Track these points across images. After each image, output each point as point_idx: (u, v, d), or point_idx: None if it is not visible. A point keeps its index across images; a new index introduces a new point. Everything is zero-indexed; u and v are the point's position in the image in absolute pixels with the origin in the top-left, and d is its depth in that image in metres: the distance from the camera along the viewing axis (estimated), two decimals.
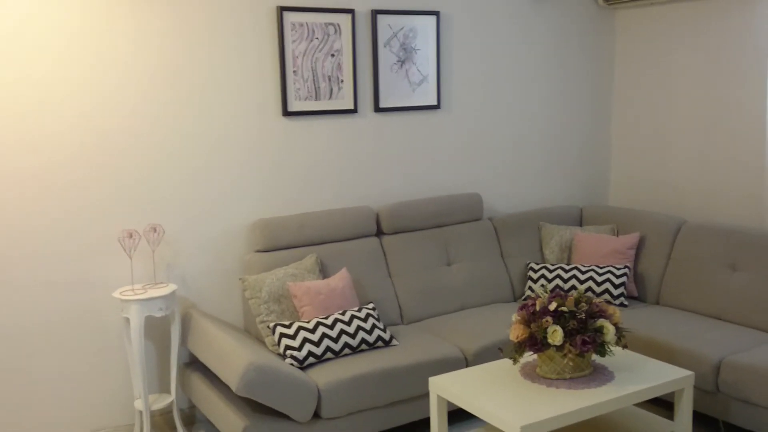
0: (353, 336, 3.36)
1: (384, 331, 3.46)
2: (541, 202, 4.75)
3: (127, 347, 3.41)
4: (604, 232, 4.32)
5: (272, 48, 3.74)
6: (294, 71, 3.80)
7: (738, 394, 3.17)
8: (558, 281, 4.05)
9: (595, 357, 3.04)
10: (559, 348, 2.78)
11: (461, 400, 2.80)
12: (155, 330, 3.58)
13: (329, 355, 3.30)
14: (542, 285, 4.08)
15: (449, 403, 3.18)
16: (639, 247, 4.20)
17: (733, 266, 3.80)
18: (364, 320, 3.42)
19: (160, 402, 3.46)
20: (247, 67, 3.69)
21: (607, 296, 3.95)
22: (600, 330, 2.78)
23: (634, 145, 4.83)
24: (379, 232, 4.06)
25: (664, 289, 4.05)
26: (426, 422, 3.49)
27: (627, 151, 4.88)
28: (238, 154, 3.72)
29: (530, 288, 4.13)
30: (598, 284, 3.97)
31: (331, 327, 3.34)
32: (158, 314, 3.32)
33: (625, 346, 2.91)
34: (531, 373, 2.92)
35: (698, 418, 3.51)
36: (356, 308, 3.48)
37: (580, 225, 4.57)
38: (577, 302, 2.83)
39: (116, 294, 3.31)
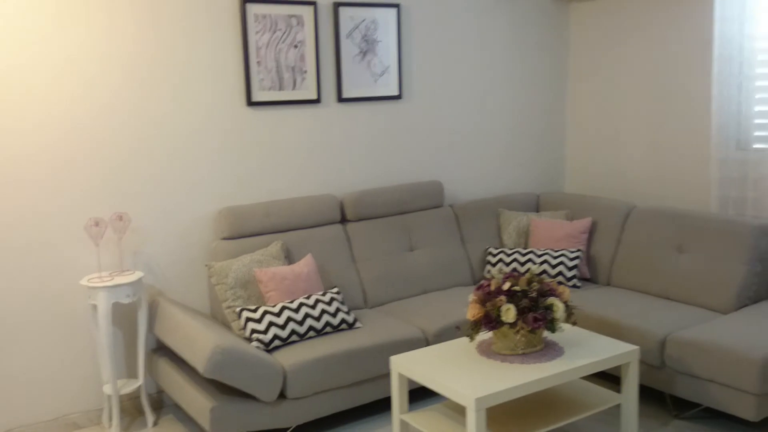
0: (318, 319, 3.47)
1: (348, 314, 3.58)
2: (500, 189, 4.91)
3: (95, 334, 3.48)
4: (559, 218, 4.50)
5: (236, 39, 3.82)
6: (258, 62, 3.88)
7: (683, 368, 3.35)
8: (515, 264, 4.21)
9: (546, 333, 3.20)
10: (513, 325, 2.92)
11: (421, 376, 2.94)
12: (122, 317, 3.65)
13: (294, 337, 3.41)
14: (500, 269, 4.24)
15: (411, 383, 3.32)
16: (591, 231, 4.39)
17: (679, 248, 4.00)
18: (329, 304, 3.53)
19: (129, 386, 3.54)
20: (211, 58, 3.76)
21: (561, 278, 4.12)
22: (550, 307, 2.94)
23: (587, 135, 5.01)
24: (343, 219, 4.17)
25: (615, 270, 4.24)
26: (388, 401, 3.62)
27: (581, 140, 5.06)
28: (203, 143, 3.80)
29: (489, 272, 4.29)
30: (553, 267, 4.14)
31: (296, 311, 3.44)
32: (125, 301, 3.39)
33: (574, 323, 3.08)
34: (487, 350, 3.07)
35: (646, 391, 3.70)
36: (321, 292, 3.59)
37: (537, 211, 4.74)
38: (529, 282, 2.98)
39: (84, 281, 3.37)
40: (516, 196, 4.72)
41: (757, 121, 4.03)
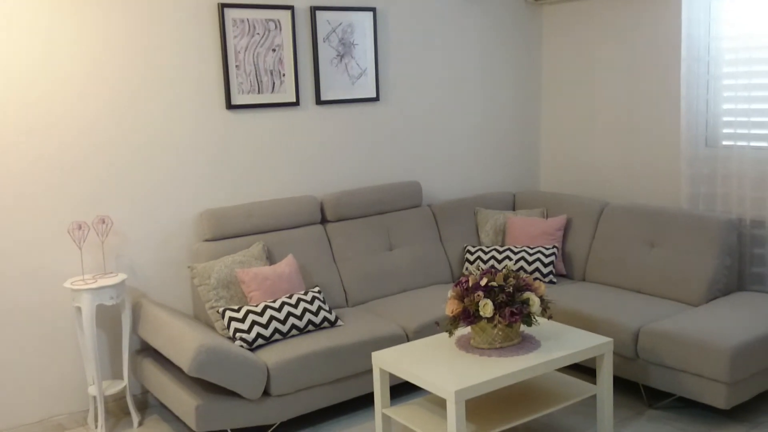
0: (300, 318, 3.53)
1: (330, 312, 3.64)
2: (477, 188, 5.00)
3: (80, 335, 3.51)
4: (535, 216, 4.60)
5: (215, 43, 3.87)
6: (236, 66, 3.93)
7: (655, 359, 3.46)
8: (493, 262, 4.30)
9: (523, 327, 3.28)
10: (490, 320, 3.01)
11: (401, 371, 3.01)
12: (106, 319, 3.69)
13: (277, 336, 3.47)
14: (478, 266, 4.33)
15: (393, 379, 3.39)
16: (566, 228, 4.49)
17: (651, 243, 4.11)
18: (311, 303, 3.60)
19: (113, 387, 3.57)
20: (191, 62, 3.81)
21: (537, 274, 4.22)
22: (526, 302, 3.03)
23: (561, 135, 5.12)
24: (324, 220, 4.24)
25: (590, 266, 4.35)
26: (370, 397, 3.69)
27: (555, 140, 5.17)
28: (184, 146, 3.84)
29: (467, 269, 4.37)
30: (529, 263, 4.23)
31: (279, 310, 3.50)
32: (109, 303, 3.43)
33: (550, 317, 3.17)
34: (465, 345, 3.15)
35: (620, 383, 3.80)
36: (303, 292, 3.65)
37: (513, 209, 4.84)
38: (506, 278, 3.07)
39: (67, 284, 3.40)
40: (493, 195, 4.82)
41: (725, 119, 4.14)
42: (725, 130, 4.15)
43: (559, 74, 5.08)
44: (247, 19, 3.93)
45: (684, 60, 4.17)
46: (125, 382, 3.60)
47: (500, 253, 4.32)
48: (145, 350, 3.73)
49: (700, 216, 3.98)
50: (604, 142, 4.84)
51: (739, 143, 4.06)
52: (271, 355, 3.32)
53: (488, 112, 4.99)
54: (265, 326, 3.43)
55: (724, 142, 4.15)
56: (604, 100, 4.82)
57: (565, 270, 4.43)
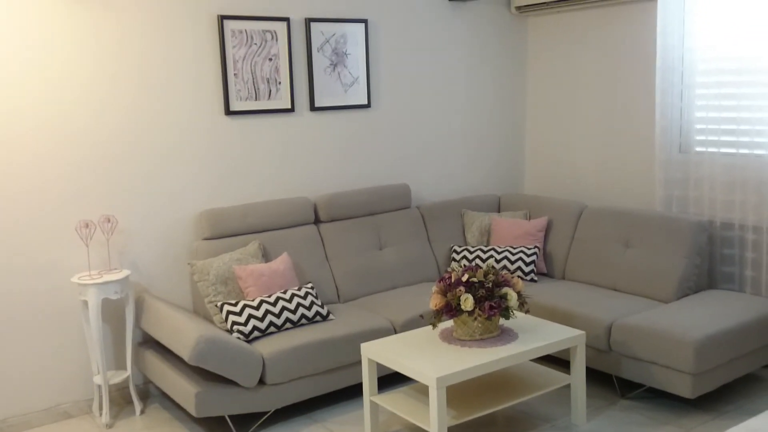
0: (294, 312, 3.74)
1: (322, 307, 3.86)
2: (464, 191, 5.22)
3: (85, 328, 3.72)
4: (518, 217, 4.82)
5: (214, 53, 4.09)
6: (235, 74, 4.15)
7: (627, 352, 3.67)
8: (477, 261, 4.52)
9: (502, 321, 3.50)
10: (471, 313, 3.23)
11: (388, 360, 3.23)
12: (111, 312, 3.89)
13: (272, 329, 3.68)
14: (461, 265, 4.54)
15: (381, 370, 3.59)
16: (548, 229, 4.72)
17: (626, 243, 4.34)
18: (304, 298, 3.81)
19: (117, 377, 3.78)
20: (192, 70, 4.02)
21: (519, 273, 4.44)
22: (504, 297, 3.25)
23: (544, 141, 5.34)
24: (317, 220, 4.45)
25: (569, 265, 4.57)
26: (360, 386, 3.90)
27: (538, 145, 5.39)
28: (184, 150, 4.05)
29: (452, 267, 4.58)
30: (512, 263, 4.46)
31: (274, 304, 3.71)
32: (114, 297, 3.64)
33: (527, 312, 3.39)
34: (448, 337, 3.37)
35: (595, 375, 4.02)
36: (296, 288, 3.86)
37: (498, 211, 5.06)
38: (486, 274, 3.29)
39: (74, 279, 3.61)
40: (478, 197, 5.04)
41: (697, 126, 4.35)
42: (698, 137, 4.35)
43: (543, 83, 5.30)
44: (246, 30, 4.15)
45: (659, 70, 4.37)
46: (128, 372, 3.80)
47: (485, 252, 4.54)
48: (147, 342, 3.94)
49: (672, 218, 4.19)
50: (584, 148, 5.07)
51: (711, 149, 4.27)
52: (267, 346, 3.53)
53: (475, 118, 5.21)
54: (261, 319, 3.65)
55: (697, 149, 4.35)
56: (584, 108, 5.04)
57: (546, 269, 4.65)
